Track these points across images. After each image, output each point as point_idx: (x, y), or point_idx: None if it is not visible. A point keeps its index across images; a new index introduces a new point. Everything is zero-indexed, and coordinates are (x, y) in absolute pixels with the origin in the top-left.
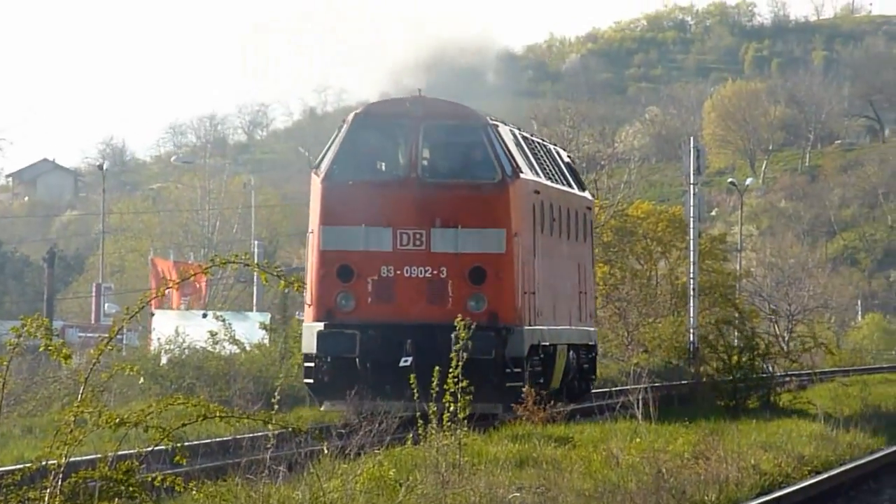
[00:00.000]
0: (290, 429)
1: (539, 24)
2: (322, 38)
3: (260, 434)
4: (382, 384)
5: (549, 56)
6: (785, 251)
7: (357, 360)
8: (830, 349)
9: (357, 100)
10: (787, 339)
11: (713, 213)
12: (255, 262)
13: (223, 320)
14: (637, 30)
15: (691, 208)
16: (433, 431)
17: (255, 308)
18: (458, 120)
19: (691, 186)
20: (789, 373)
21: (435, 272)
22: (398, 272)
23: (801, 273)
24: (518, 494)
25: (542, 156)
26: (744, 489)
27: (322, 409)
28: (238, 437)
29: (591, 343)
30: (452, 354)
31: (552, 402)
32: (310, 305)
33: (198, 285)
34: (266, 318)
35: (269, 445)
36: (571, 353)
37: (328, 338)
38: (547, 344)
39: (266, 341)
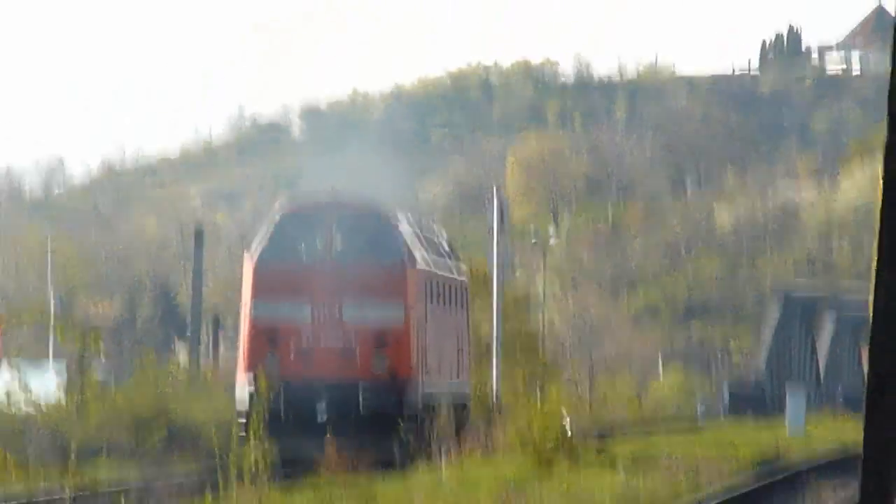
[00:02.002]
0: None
1: (342, 78)
2: (122, 92)
3: (56, 498)
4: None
5: (352, 111)
6: (587, 306)
7: (282, 414)
8: (631, 403)
9: (158, 156)
10: (589, 392)
11: (517, 271)
12: (53, 315)
13: (18, 370)
14: (441, 87)
15: (495, 260)
16: (234, 487)
17: (51, 355)
18: (366, 213)
19: (494, 239)
20: (592, 426)
21: (346, 339)
22: (316, 339)
23: (603, 327)
24: None
25: (429, 241)
26: None
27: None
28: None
29: (466, 392)
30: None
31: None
32: (241, 367)
33: None
34: (62, 365)
35: None
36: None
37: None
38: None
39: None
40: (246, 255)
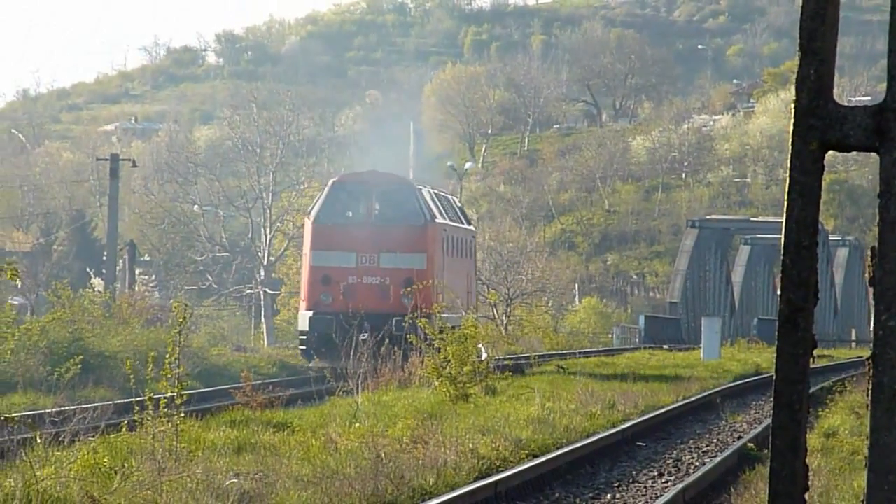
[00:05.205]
0: (1, 417)
1: (258, 6)
2: (37, 20)
3: None
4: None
5: (268, 38)
6: (504, 235)
7: (334, 335)
8: (548, 333)
9: (72, 81)
10: (505, 322)
11: None
12: None
13: None
14: (357, 13)
15: None
16: (149, 417)
17: None
18: (397, 185)
19: (411, 170)
20: (508, 356)
21: (383, 280)
22: (359, 280)
23: (519, 257)
24: (235, 480)
25: (446, 204)
26: (461, 473)
27: (310, 365)
28: None
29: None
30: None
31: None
32: (303, 300)
33: None
34: None
35: None
36: None
37: (316, 321)
38: (450, 326)
39: None
40: (306, 218)
